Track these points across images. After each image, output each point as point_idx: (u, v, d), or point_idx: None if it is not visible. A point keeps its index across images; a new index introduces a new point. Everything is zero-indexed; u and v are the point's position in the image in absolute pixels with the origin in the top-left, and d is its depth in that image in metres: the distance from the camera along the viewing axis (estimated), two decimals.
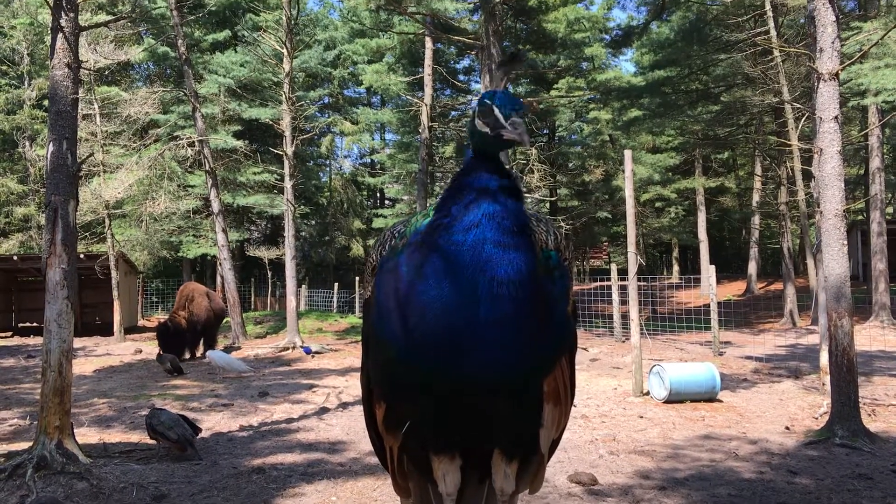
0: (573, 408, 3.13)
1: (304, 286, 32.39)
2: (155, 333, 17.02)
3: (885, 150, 26.00)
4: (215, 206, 21.13)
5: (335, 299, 30.98)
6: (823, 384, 9.70)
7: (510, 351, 2.31)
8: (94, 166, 21.09)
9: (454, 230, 2.33)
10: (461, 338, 2.29)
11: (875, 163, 22.77)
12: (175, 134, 27.28)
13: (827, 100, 8.00)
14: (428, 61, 25.40)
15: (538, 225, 2.62)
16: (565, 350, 2.70)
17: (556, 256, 2.58)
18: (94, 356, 17.25)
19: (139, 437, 8.04)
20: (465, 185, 2.43)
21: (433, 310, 2.30)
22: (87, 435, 8.13)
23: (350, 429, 8.54)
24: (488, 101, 2.41)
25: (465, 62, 34.57)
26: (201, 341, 16.86)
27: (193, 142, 21.80)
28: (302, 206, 33.33)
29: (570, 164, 36.00)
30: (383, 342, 2.50)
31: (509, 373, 2.36)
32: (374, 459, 6.48)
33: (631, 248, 11.28)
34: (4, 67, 34.34)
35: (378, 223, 37.55)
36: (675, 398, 9.84)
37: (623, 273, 14.88)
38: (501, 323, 2.28)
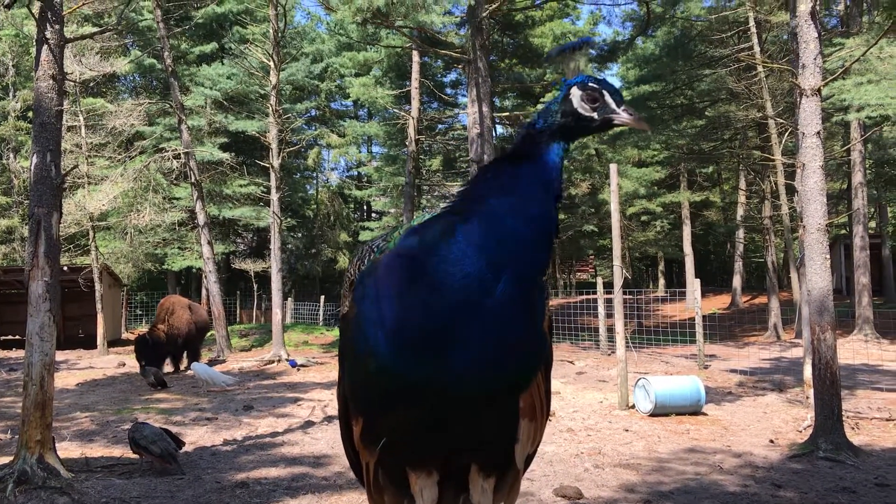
0: (552, 421, 3.13)
1: (290, 299, 32.28)
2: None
3: (867, 166, 26.24)
4: (201, 219, 21.08)
5: (321, 312, 30.89)
6: (807, 397, 9.74)
7: (510, 340, 2.28)
8: (79, 178, 20.96)
9: (503, 209, 2.24)
10: (459, 329, 2.23)
11: (857, 178, 22.99)
12: (161, 146, 27.18)
13: (809, 115, 8.08)
14: (415, 75, 25.53)
15: None
16: (542, 363, 2.69)
17: None
18: (77, 369, 17.09)
19: (121, 451, 7.97)
20: (544, 166, 2.31)
21: (445, 290, 2.22)
22: (68, 449, 8.04)
23: (335, 442, 8.48)
24: (596, 86, 2.31)
25: (452, 76, 34.71)
26: (184, 354, 16.73)
27: (179, 154, 21.76)
28: (288, 219, 33.25)
29: None
30: (364, 354, 2.43)
31: (499, 372, 2.32)
32: None
33: (617, 261, 11.32)
34: None
35: (365, 236, 37.52)
36: (660, 411, 9.86)
37: (609, 286, 14.93)
38: (503, 318, 2.24)
